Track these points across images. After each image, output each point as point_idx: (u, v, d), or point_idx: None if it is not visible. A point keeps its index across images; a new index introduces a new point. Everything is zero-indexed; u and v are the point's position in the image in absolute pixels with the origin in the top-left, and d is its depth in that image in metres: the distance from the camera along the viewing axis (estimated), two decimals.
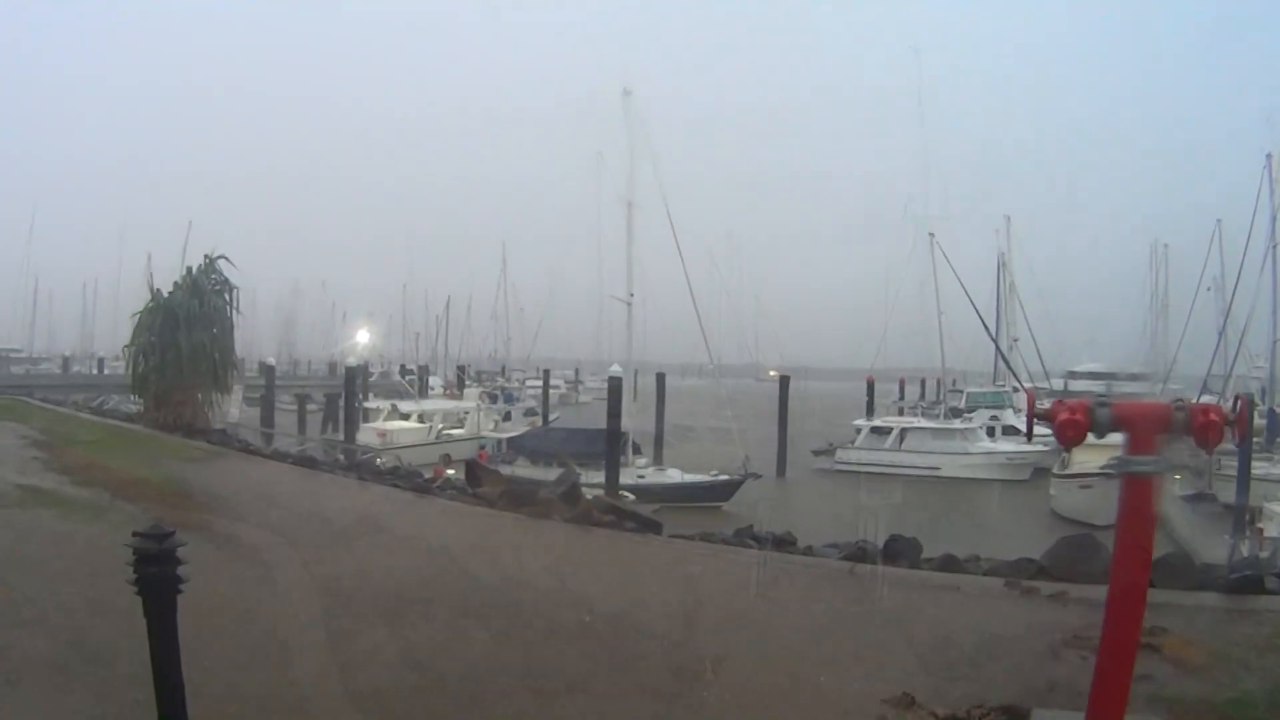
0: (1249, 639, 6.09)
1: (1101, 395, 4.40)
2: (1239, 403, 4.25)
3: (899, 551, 9.56)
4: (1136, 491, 4.37)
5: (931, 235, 59.89)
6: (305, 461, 16.63)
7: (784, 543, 10.69)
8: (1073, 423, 4.27)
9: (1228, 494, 34.92)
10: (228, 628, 5.99)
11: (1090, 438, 4.55)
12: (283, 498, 11.81)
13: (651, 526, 11.56)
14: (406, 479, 14.66)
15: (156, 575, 3.67)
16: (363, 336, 60.12)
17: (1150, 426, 4.30)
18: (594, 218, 43.29)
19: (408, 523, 10.52)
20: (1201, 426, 4.20)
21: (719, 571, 8.45)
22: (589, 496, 13.94)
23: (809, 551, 10.02)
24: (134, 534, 3.75)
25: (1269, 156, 45.12)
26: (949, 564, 8.82)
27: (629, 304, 40.60)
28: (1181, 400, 4.31)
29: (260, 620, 6.41)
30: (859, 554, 9.27)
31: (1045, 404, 4.59)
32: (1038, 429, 5.06)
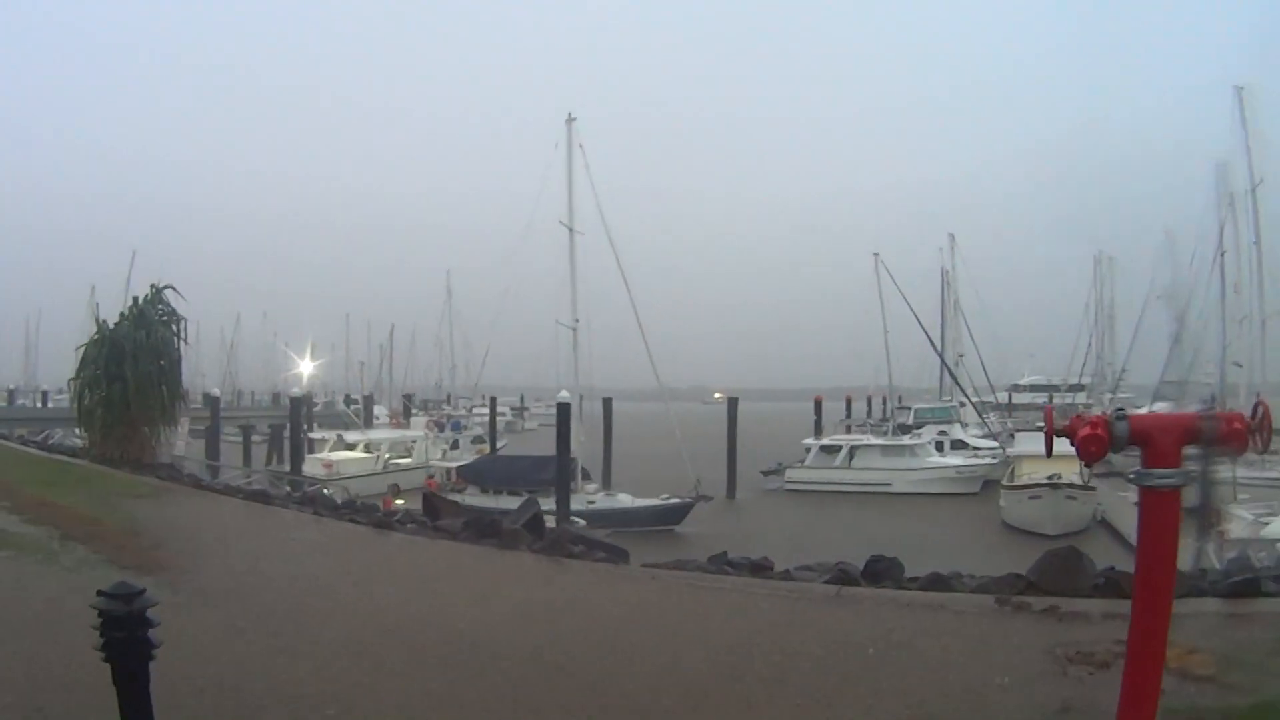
0: (1254, 643, 5.98)
1: (1120, 409, 4.27)
2: (1261, 409, 4.12)
3: (882, 572, 9.42)
4: (1157, 505, 4.24)
5: (876, 255, 61.04)
6: (257, 496, 16.16)
7: (761, 568, 10.48)
8: (1095, 438, 4.13)
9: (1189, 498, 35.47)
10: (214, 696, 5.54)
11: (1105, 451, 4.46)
12: (242, 537, 11.36)
13: (619, 555, 11.33)
14: (364, 513, 14.24)
15: (126, 640, 3.23)
16: (306, 367, 59.44)
17: (1172, 439, 4.18)
18: (540, 243, 43.39)
19: (377, 561, 10.09)
20: (1228, 436, 4.08)
21: (708, 602, 8.14)
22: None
23: (788, 576, 9.76)
24: (99, 594, 3.28)
25: (1218, 165, 46.38)
26: (936, 583, 8.64)
27: (574, 329, 40.59)
28: (1209, 409, 4.18)
29: (246, 677, 5.94)
30: (843, 576, 9.11)
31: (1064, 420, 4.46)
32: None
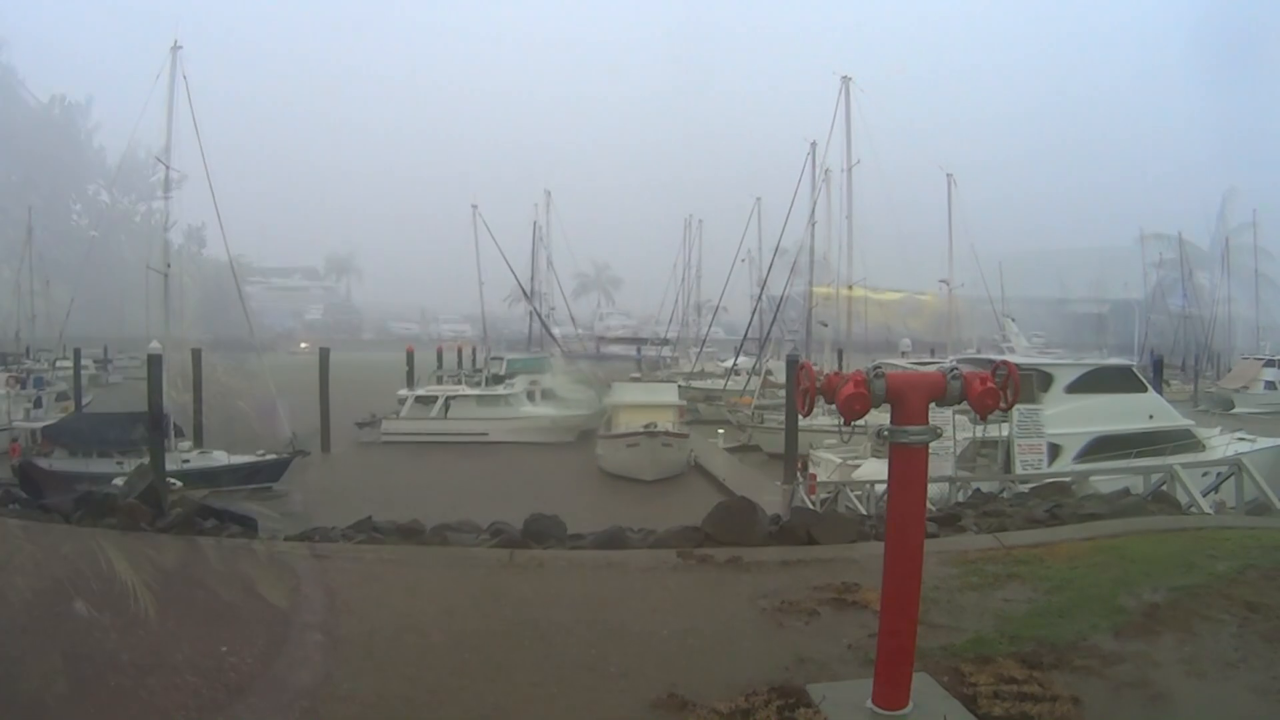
0: (940, 580, 6.35)
1: (877, 366, 4.33)
2: (1006, 368, 4.35)
3: (544, 531, 9.12)
4: (907, 460, 4.35)
5: (474, 207, 61.19)
6: None
7: (412, 532, 9.88)
8: (859, 396, 4.17)
9: (773, 445, 38.96)
10: None
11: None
12: None
13: (250, 525, 10.35)
14: None
15: None
16: None
17: (922, 397, 4.30)
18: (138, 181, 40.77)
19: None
20: (980, 395, 4.25)
21: (384, 577, 7.24)
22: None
23: (444, 540, 9.24)
24: None
25: (814, 144, 51.75)
26: (611, 540, 8.47)
27: (165, 275, 37.85)
28: (956, 369, 4.33)
29: None
30: (507, 539, 8.81)
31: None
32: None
